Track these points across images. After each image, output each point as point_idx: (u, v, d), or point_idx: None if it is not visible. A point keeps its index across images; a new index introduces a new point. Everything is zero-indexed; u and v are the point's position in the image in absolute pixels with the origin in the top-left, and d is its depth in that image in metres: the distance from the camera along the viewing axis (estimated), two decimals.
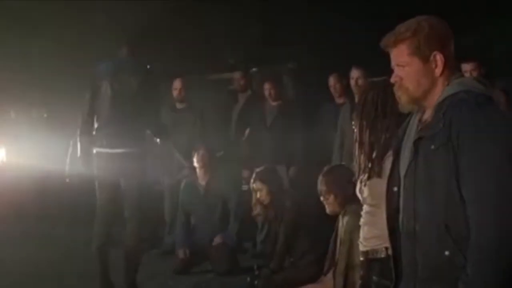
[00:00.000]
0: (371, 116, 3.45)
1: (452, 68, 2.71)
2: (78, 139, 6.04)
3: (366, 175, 3.41)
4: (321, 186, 4.62)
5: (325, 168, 4.81)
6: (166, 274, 7.15)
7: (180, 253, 7.31)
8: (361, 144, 3.45)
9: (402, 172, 2.75)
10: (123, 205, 5.97)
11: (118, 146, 5.82)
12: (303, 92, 9.07)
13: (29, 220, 9.62)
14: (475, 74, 6.22)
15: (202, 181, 7.54)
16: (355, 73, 7.21)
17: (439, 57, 2.67)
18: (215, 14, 9.46)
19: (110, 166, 5.85)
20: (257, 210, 6.26)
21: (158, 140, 6.52)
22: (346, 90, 7.51)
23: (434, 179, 2.58)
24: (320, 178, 4.65)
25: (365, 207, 3.53)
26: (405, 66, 2.70)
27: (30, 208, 9.70)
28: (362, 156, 3.44)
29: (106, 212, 5.94)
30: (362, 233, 3.54)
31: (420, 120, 2.76)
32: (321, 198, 4.62)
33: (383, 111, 3.44)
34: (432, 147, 2.58)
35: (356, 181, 3.54)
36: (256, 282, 5.89)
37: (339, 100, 7.70)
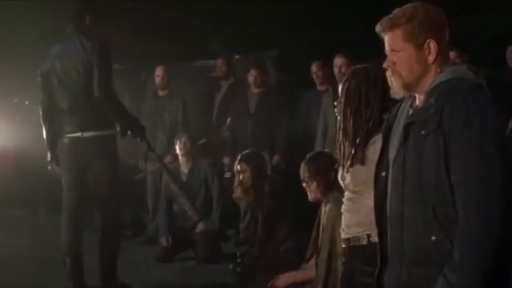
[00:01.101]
0: (354, 103, 3.45)
1: (445, 55, 2.73)
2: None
3: (349, 162, 3.42)
4: (303, 173, 4.62)
5: (308, 155, 4.81)
6: (149, 262, 7.16)
7: (163, 241, 7.31)
8: (344, 131, 3.46)
9: (391, 157, 2.76)
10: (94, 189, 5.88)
11: (80, 130, 5.68)
12: (285, 79, 9.07)
13: (10, 206, 9.60)
14: (457, 62, 6.25)
15: (184, 168, 7.54)
16: (338, 61, 7.24)
17: (432, 44, 2.68)
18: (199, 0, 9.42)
19: (73, 150, 5.74)
20: (237, 192, 6.27)
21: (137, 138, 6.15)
22: (329, 77, 7.53)
23: (423, 164, 2.60)
24: (303, 165, 4.66)
25: (347, 194, 3.54)
26: (399, 51, 2.71)
27: (11, 194, 9.67)
28: (345, 143, 3.45)
29: (74, 197, 5.82)
30: (343, 220, 3.55)
31: (411, 106, 2.78)
32: (304, 185, 4.63)
33: (366, 98, 3.44)
34: (423, 132, 2.60)
35: (338, 168, 3.55)
36: (239, 270, 5.90)
37: (321, 88, 7.73)
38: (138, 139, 6.08)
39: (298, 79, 8.45)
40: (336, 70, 7.23)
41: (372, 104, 3.42)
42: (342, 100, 3.49)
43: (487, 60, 7.57)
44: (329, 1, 9.04)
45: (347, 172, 3.45)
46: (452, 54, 6.36)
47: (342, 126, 3.48)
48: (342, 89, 3.52)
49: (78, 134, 5.66)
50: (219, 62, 8.61)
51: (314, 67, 7.78)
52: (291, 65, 9.00)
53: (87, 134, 5.64)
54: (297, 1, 9.18)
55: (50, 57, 5.86)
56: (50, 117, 5.84)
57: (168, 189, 7.50)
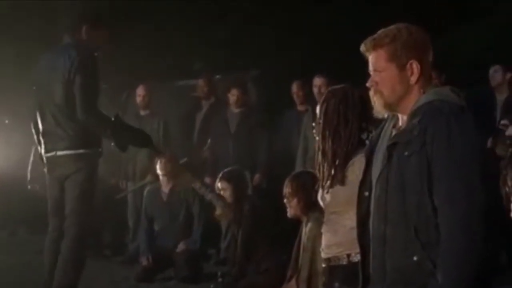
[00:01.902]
0: (333, 124, 3.48)
1: (428, 76, 2.75)
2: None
3: (329, 182, 3.44)
4: (286, 189, 4.64)
5: (293, 173, 4.85)
6: (129, 282, 7.12)
7: (143, 260, 7.28)
8: (324, 151, 3.48)
9: (374, 177, 2.78)
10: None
11: (55, 149, 5.43)
12: (266, 99, 9.10)
13: None
14: (435, 83, 6.31)
15: (165, 188, 7.53)
16: (318, 81, 7.30)
17: (415, 65, 2.71)
18: (179, 19, 9.46)
19: (52, 169, 5.50)
20: (219, 210, 6.27)
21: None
22: (309, 97, 7.57)
23: (406, 185, 2.63)
24: (287, 181, 4.68)
25: (327, 214, 3.56)
26: (381, 71, 2.74)
27: None
28: (325, 164, 3.47)
29: (53, 218, 5.56)
30: (324, 240, 3.56)
31: (394, 127, 2.80)
32: (285, 200, 4.64)
33: (345, 119, 3.47)
34: (406, 153, 2.63)
35: (318, 188, 3.57)
36: None
37: (302, 108, 7.76)
38: (148, 149, 5.99)
39: (278, 99, 8.49)
40: (315, 90, 7.29)
41: (350, 124, 3.45)
42: (321, 120, 3.52)
43: (466, 80, 7.66)
44: (309, 21, 9.11)
45: (327, 192, 3.47)
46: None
47: (321, 147, 3.50)
48: (321, 110, 3.55)
49: (53, 153, 5.46)
50: (200, 82, 8.63)
51: (294, 87, 7.82)
52: (272, 85, 9.04)
53: (60, 152, 5.43)
54: (277, 21, 9.24)
55: (36, 69, 5.63)
56: (37, 137, 5.62)
57: (149, 208, 7.48)
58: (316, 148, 3.56)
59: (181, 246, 7.22)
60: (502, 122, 6.41)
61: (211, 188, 6.60)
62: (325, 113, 3.51)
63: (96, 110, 5.43)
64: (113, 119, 5.51)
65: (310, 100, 7.48)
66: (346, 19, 8.28)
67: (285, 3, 9.06)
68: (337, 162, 3.42)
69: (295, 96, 7.82)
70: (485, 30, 8.66)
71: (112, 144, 5.55)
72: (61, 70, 5.32)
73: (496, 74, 7.19)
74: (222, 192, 6.20)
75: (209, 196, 6.38)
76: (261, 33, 9.29)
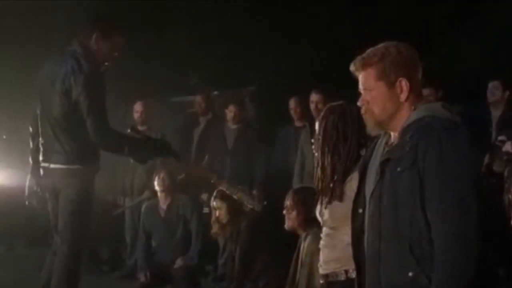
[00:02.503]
0: (332, 140, 3.51)
1: (418, 93, 2.79)
2: None
3: (327, 198, 3.46)
4: (287, 200, 4.66)
5: (297, 186, 4.87)
6: None
7: (141, 276, 7.28)
8: (323, 167, 3.51)
9: (368, 194, 2.81)
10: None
11: (48, 161, 5.17)
12: (263, 115, 9.13)
13: None
14: (432, 99, 6.34)
15: (163, 204, 7.53)
16: (314, 97, 7.32)
17: (404, 83, 2.74)
18: (176, 35, 9.50)
19: (47, 181, 5.24)
20: (215, 228, 6.28)
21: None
22: (306, 113, 7.59)
23: (399, 201, 2.65)
24: (289, 193, 4.70)
25: (325, 230, 3.58)
26: (371, 90, 2.78)
27: None
28: (324, 180, 3.50)
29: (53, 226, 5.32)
30: (321, 256, 3.58)
31: (386, 143, 2.83)
32: (284, 212, 4.67)
33: (344, 135, 3.50)
34: (398, 169, 2.65)
35: (316, 204, 3.59)
36: None
37: (299, 123, 7.79)
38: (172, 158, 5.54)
39: (276, 114, 8.52)
40: (312, 106, 7.31)
41: (349, 140, 3.49)
42: (320, 137, 3.55)
43: (462, 96, 7.69)
44: (306, 37, 9.15)
45: (325, 208, 3.49)
46: (426, 92, 6.47)
47: (320, 163, 3.53)
48: (320, 126, 3.58)
49: (47, 164, 5.21)
50: (198, 98, 8.66)
51: (292, 103, 7.84)
52: (269, 101, 9.08)
53: (53, 166, 5.17)
54: (275, 37, 9.28)
55: (39, 75, 5.26)
56: (34, 147, 5.35)
57: (147, 224, 7.49)
58: (315, 164, 3.59)
59: (178, 262, 7.21)
60: (500, 138, 6.43)
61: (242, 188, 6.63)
62: (324, 129, 3.55)
63: (110, 131, 5.10)
64: (129, 130, 5.38)
65: (307, 116, 7.51)
66: (345, 35, 8.32)
67: (284, 19, 9.10)
68: (335, 178, 3.45)
69: (292, 112, 7.85)
70: (480, 45, 8.71)
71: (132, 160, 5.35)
72: (60, 81, 4.98)
73: (495, 91, 7.16)
74: (217, 211, 6.21)
75: (237, 195, 6.32)
76: (258, 49, 9.33)
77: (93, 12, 5.69)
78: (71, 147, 5.10)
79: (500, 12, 8.72)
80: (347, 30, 8.52)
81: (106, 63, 5.17)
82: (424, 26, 8.84)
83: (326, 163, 3.50)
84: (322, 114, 3.64)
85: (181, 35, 9.41)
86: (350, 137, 3.49)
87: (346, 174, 3.44)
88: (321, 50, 8.99)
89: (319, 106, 7.03)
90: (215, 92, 9.32)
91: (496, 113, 7.17)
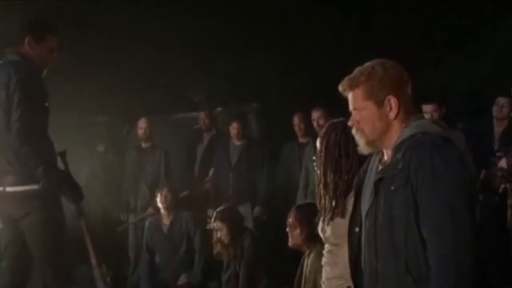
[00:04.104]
0: (334, 157, 3.50)
1: (408, 110, 2.77)
2: None
3: (329, 214, 3.46)
4: (290, 218, 4.66)
5: (299, 203, 4.87)
6: None
7: None
8: (325, 184, 3.50)
9: (363, 213, 2.80)
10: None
11: (5, 184, 4.60)
12: (267, 132, 9.14)
13: None
14: (436, 115, 6.34)
15: (166, 221, 7.53)
16: (315, 114, 7.38)
17: (393, 101, 2.74)
18: (179, 51, 9.52)
19: (5, 206, 4.66)
20: (217, 248, 6.27)
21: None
22: (310, 129, 7.60)
23: (394, 219, 2.65)
24: (292, 210, 4.70)
25: (327, 247, 3.57)
26: (361, 110, 2.78)
27: None
28: (326, 196, 3.49)
29: (12, 258, 4.74)
30: (324, 273, 3.57)
31: (380, 161, 2.82)
32: (287, 229, 4.65)
33: (346, 152, 3.50)
34: (392, 188, 2.65)
35: (318, 221, 3.59)
36: None
37: (303, 140, 7.79)
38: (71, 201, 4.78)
39: (280, 131, 8.52)
40: (314, 123, 7.35)
41: (351, 157, 3.48)
42: (322, 154, 3.55)
43: (466, 112, 7.69)
44: (309, 53, 9.17)
45: (328, 224, 3.49)
46: (429, 107, 6.48)
47: (322, 179, 3.52)
48: (321, 143, 3.58)
49: (1, 188, 4.61)
50: (201, 114, 8.68)
51: (296, 120, 7.86)
52: (273, 117, 9.08)
53: (10, 189, 4.59)
54: (277, 53, 9.30)
55: None
56: None
57: (150, 241, 7.48)
58: (317, 181, 3.59)
59: (182, 279, 7.21)
60: (497, 154, 6.41)
61: None
62: (326, 146, 3.54)
63: (32, 138, 4.51)
64: (58, 157, 4.73)
65: (311, 132, 7.52)
66: (346, 51, 8.34)
67: (286, 36, 9.12)
68: (338, 194, 3.45)
69: (296, 129, 7.86)
70: (485, 62, 8.71)
71: (40, 184, 4.54)
72: (0, 94, 4.54)
73: (503, 108, 7.08)
74: (218, 232, 6.20)
75: None
76: (262, 66, 9.36)
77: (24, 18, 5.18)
78: (22, 164, 4.54)
79: (504, 29, 8.74)
80: (351, 46, 8.53)
81: (47, 67, 4.79)
82: (428, 43, 8.85)
83: (328, 179, 3.49)
84: (323, 130, 3.64)
85: (184, 51, 9.43)
86: (352, 153, 3.48)
87: (348, 190, 3.43)
88: (324, 67, 9.01)
89: (321, 122, 7.07)
90: (219, 109, 9.34)
91: (499, 129, 7.15)
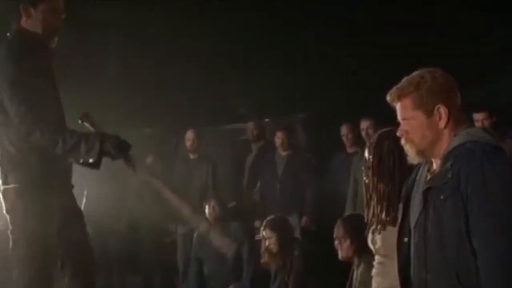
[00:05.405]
0: (389, 165, 3.46)
1: (458, 119, 2.75)
2: None
3: (380, 225, 3.42)
4: (337, 230, 4.62)
5: (345, 215, 4.84)
6: None
7: None
8: (378, 193, 3.46)
9: (412, 223, 2.78)
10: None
11: None
12: (315, 142, 9.12)
13: None
14: (486, 123, 6.25)
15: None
16: (364, 124, 7.36)
17: (442, 110, 2.72)
18: (227, 63, 9.57)
19: None
20: (265, 258, 6.25)
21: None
22: (358, 139, 7.56)
23: (444, 229, 2.61)
24: (338, 222, 4.66)
25: (377, 258, 3.54)
26: (410, 119, 2.76)
27: None
28: (379, 206, 3.45)
29: None
30: (374, 284, 3.54)
31: (429, 171, 2.80)
32: (336, 243, 4.62)
33: (400, 159, 3.45)
34: (442, 197, 2.62)
35: (368, 232, 3.55)
36: None
37: (351, 150, 7.75)
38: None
39: (328, 141, 8.49)
40: (363, 133, 7.32)
41: (404, 166, 3.43)
42: (375, 163, 3.50)
43: None
44: (356, 62, 9.14)
45: (379, 233, 3.45)
46: (480, 116, 6.39)
47: (375, 189, 3.48)
48: (375, 152, 3.53)
49: None
50: (250, 125, 8.69)
51: (344, 129, 7.82)
52: (321, 127, 9.06)
53: None
54: (325, 62, 9.29)
55: None
56: None
57: (199, 252, 7.49)
58: (364, 190, 3.55)
59: None
60: None
61: None
62: (379, 155, 3.50)
63: (38, 119, 3.73)
64: (79, 121, 3.94)
65: (359, 142, 7.48)
66: (392, 61, 8.29)
67: (334, 45, 9.11)
68: (391, 203, 3.41)
69: (344, 139, 7.82)
70: None
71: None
72: None
73: None
74: (267, 241, 6.18)
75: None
76: (310, 76, 9.36)
77: None
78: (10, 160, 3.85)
79: None
80: (398, 55, 8.47)
81: (55, 34, 3.97)
82: (483, 52, 8.75)
83: (381, 188, 3.45)
84: (374, 140, 3.60)
85: (232, 63, 9.48)
86: (405, 161, 3.44)
87: (399, 199, 3.40)
88: (371, 77, 8.96)
89: (370, 132, 7.03)
90: (267, 119, 9.34)
91: None
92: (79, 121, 3.93)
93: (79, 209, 4.15)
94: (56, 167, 3.89)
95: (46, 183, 3.85)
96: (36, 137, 3.72)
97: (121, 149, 3.86)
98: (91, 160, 3.73)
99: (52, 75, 3.93)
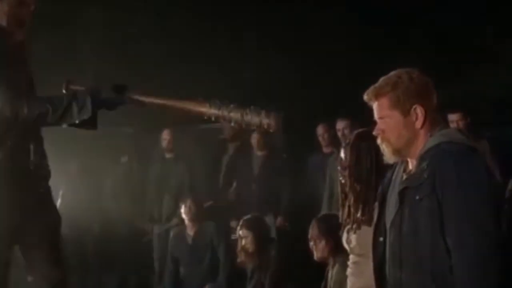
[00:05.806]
0: (367, 166, 3.46)
1: (434, 119, 2.77)
2: None
3: (356, 224, 3.42)
4: (312, 231, 4.61)
5: (319, 215, 4.83)
6: None
7: None
8: (353, 193, 3.46)
9: (388, 222, 2.79)
10: None
11: None
12: (291, 142, 9.12)
13: None
14: (461, 124, 6.30)
15: (190, 231, 7.53)
16: (340, 124, 7.36)
17: (419, 110, 2.73)
18: (203, 62, 9.56)
19: None
20: (241, 257, 6.25)
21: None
22: (334, 139, 7.58)
23: (419, 229, 2.63)
24: (313, 223, 4.66)
25: (352, 257, 3.54)
26: (386, 118, 2.77)
27: None
28: (355, 206, 3.45)
29: None
30: (348, 284, 3.55)
31: (405, 171, 2.81)
32: (311, 243, 4.61)
33: (377, 159, 3.45)
34: (417, 197, 2.64)
35: (342, 231, 3.56)
36: None
37: (327, 150, 7.77)
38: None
39: (304, 141, 8.50)
40: (339, 133, 7.33)
41: (381, 166, 3.44)
42: (352, 163, 3.50)
43: (494, 122, 7.63)
44: (332, 61, 9.16)
45: (354, 233, 3.46)
46: (455, 116, 6.43)
47: (351, 189, 3.48)
48: (351, 153, 3.52)
49: None
50: (227, 125, 8.66)
51: (320, 129, 7.83)
52: (297, 127, 9.07)
53: None
54: (299, 63, 9.30)
55: None
56: None
57: (175, 251, 7.47)
58: (340, 190, 3.55)
59: None
60: None
61: None
62: (357, 155, 3.49)
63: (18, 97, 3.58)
64: (63, 91, 3.76)
65: (335, 142, 7.49)
66: (370, 60, 8.32)
67: (309, 44, 9.12)
68: (366, 203, 3.41)
69: (320, 139, 7.83)
70: (510, 71, 8.64)
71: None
72: None
73: None
74: (243, 240, 6.17)
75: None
76: (285, 75, 9.36)
77: None
78: None
79: None
80: (377, 54, 8.50)
81: (22, 27, 3.76)
82: (457, 53, 8.81)
83: (358, 188, 3.45)
84: (352, 140, 3.59)
85: (210, 61, 9.47)
86: (381, 161, 3.45)
87: (375, 199, 3.40)
88: (346, 76, 8.99)
89: (346, 132, 7.05)
90: None
91: None
92: (63, 91, 3.78)
93: (52, 209, 3.96)
94: (21, 165, 3.71)
95: (6, 180, 3.66)
96: (24, 113, 3.56)
97: (118, 92, 3.73)
98: (85, 117, 3.58)
99: (11, 68, 3.69)
